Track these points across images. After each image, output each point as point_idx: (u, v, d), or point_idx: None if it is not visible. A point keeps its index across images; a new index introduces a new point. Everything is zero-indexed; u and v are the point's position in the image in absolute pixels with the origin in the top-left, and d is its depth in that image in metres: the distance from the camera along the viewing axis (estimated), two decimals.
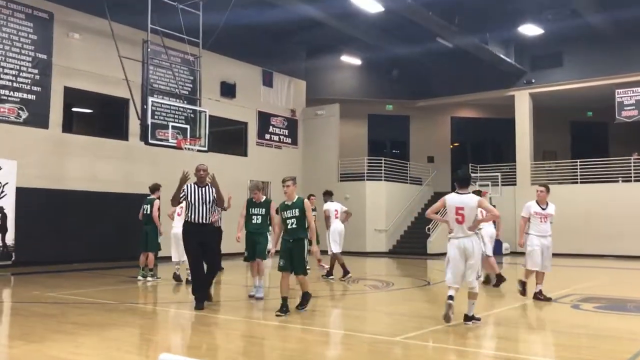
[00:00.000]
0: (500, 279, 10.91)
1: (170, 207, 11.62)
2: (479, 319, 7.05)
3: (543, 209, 9.11)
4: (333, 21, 18.96)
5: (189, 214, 8.32)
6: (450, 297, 6.88)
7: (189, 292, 10.62)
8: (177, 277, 11.56)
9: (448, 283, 6.98)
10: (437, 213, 7.40)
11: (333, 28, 19.73)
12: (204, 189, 8.43)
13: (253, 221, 9.34)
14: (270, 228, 9.59)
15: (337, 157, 22.91)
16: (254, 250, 9.26)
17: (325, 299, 9.83)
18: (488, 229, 11.67)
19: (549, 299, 8.95)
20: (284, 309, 7.55)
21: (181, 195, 8.28)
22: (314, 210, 13.36)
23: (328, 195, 12.97)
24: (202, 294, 8.36)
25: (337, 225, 12.31)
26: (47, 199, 14.97)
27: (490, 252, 11.27)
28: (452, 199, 7.07)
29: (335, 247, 12.14)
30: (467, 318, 7.01)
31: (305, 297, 7.96)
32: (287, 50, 22.69)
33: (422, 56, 22.38)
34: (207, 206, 8.35)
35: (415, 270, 15.77)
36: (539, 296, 9.04)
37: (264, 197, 9.62)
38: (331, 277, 12.09)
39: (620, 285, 12.41)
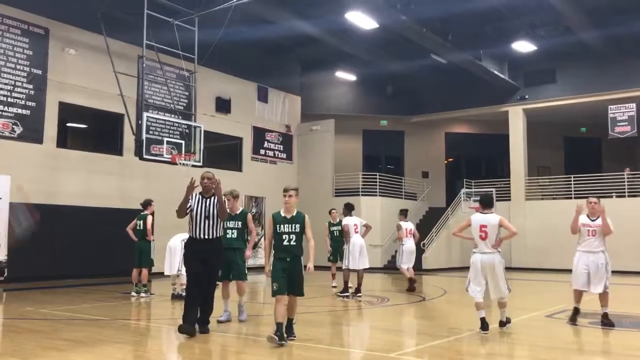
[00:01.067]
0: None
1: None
2: (509, 321, 7.97)
3: (592, 221, 8.33)
4: (328, 37, 19.09)
5: (193, 229, 7.49)
6: (482, 318, 7.71)
7: (180, 308, 10.55)
8: (177, 296, 11.06)
9: (471, 294, 7.83)
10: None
11: (328, 44, 19.86)
12: (209, 200, 7.52)
13: (227, 235, 8.22)
14: (246, 244, 8.57)
15: (332, 172, 22.93)
16: (229, 270, 8.28)
17: (320, 315, 9.77)
18: (409, 244, 13.01)
19: (611, 325, 8.08)
20: (278, 334, 6.57)
21: (187, 207, 7.43)
22: (336, 225, 13.33)
23: (348, 209, 12.46)
24: (193, 320, 7.37)
25: (356, 240, 12.14)
26: (40, 214, 14.90)
27: (352, 265, 11.98)
28: (476, 218, 7.92)
29: (352, 264, 11.97)
30: (502, 323, 7.89)
31: (291, 324, 7.04)
32: (282, 66, 22.80)
33: (416, 72, 22.54)
34: (211, 220, 7.44)
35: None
36: (603, 320, 8.20)
37: (241, 208, 8.63)
38: (359, 294, 11.74)
39: (615, 301, 12.35)
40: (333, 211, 13.78)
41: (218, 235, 7.58)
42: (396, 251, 14.27)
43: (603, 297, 8.23)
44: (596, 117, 21.95)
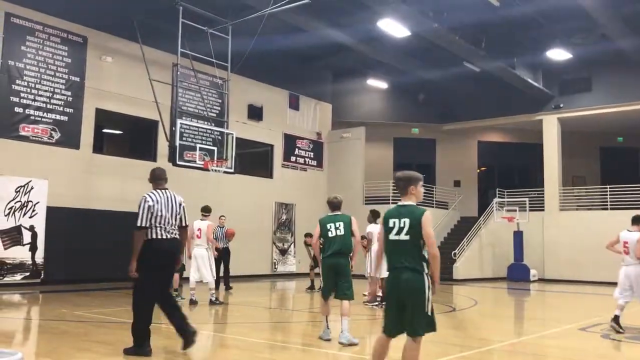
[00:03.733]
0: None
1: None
2: None
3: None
4: (359, 45, 19.12)
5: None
6: (617, 316, 8.62)
7: (213, 312, 10.70)
8: (193, 302, 11.34)
9: (616, 298, 8.79)
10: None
11: (359, 52, 19.89)
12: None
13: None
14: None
15: (363, 180, 22.90)
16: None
17: (348, 323, 9.73)
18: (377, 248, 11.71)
19: None
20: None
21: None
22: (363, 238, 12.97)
23: (374, 216, 12.17)
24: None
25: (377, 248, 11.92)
26: (76, 218, 15.24)
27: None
28: (623, 234, 8.98)
29: (374, 271, 11.85)
30: None
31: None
32: (313, 74, 22.92)
33: (448, 80, 22.38)
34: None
35: (440, 296, 15.55)
36: None
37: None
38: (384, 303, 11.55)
39: None
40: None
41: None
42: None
43: None
44: (633, 126, 21.47)
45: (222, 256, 14.49)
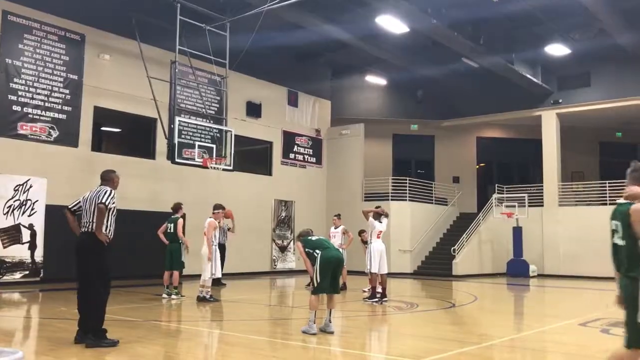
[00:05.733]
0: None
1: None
2: None
3: None
4: (358, 42, 19.08)
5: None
6: None
7: (210, 310, 10.70)
8: (201, 299, 11.38)
9: None
10: None
11: (358, 49, 19.84)
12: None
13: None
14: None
15: (362, 177, 22.90)
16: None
17: (348, 320, 9.76)
18: (377, 245, 11.80)
19: None
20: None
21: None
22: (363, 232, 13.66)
23: (378, 213, 12.17)
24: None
25: (378, 245, 11.94)
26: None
27: (375, 269, 11.61)
28: None
29: (374, 267, 11.89)
30: None
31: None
32: (312, 71, 22.89)
33: (447, 76, 22.36)
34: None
35: (440, 292, 15.58)
36: None
37: None
38: (385, 299, 11.72)
39: None
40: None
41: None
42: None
43: None
44: (632, 122, 21.48)
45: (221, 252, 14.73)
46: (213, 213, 11.72)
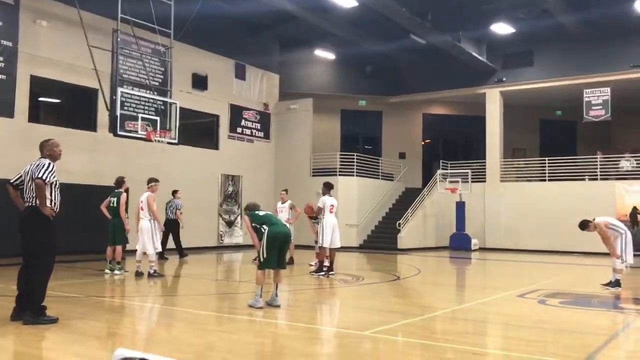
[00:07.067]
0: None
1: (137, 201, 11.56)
2: None
3: None
4: (307, 15, 18.88)
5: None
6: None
7: (155, 285, 10.54)
8: (138, 274, 11.35)
9: None
10: None
11: (307, 22, 19.65)
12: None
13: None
14: None
15: (310, 152, 22.87)
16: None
17: (295, 293, 9.80)
18: (329, 220, 11.93)
19: None
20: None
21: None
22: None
23: (327, 188, 12.30)
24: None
25: (330, 220, 11.95)
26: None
27: (327, 243, 11.75)
28: None
29: (326, 242, 11.86)
30: None
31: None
32: (260, 43, 22.53)
33: (395, 52, 22.47)
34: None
35: (385, 265, 15.85)
36: None
37: None
38: (332, 272, 11.78)
39: (586, 281, 12.65)
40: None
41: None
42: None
43: None
44: (572, 100, 22.18)
45: (170, 228, 15.40)
46: (149, 186, 11.59)
